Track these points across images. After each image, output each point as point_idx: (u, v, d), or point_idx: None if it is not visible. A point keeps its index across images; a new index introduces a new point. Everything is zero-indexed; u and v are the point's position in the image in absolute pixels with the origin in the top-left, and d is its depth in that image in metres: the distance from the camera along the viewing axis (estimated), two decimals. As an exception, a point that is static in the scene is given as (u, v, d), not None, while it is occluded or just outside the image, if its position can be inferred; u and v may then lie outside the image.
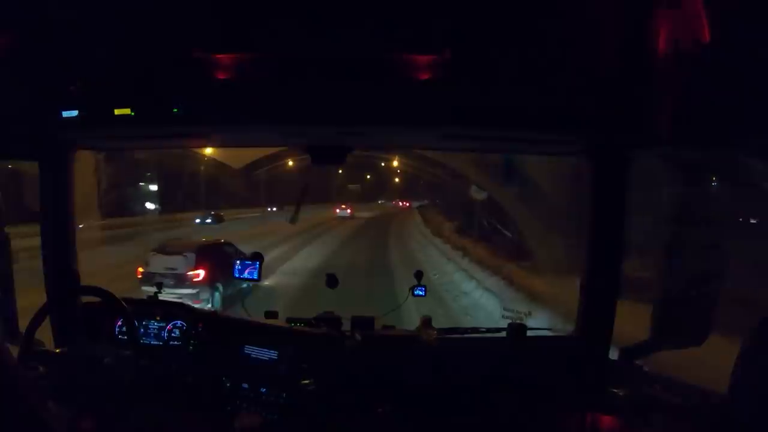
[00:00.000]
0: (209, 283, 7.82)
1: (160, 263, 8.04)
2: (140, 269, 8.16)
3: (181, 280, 7.76)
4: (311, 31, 1.50)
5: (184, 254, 8.04)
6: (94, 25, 1.49)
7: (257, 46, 1.58)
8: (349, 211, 31.51)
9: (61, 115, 1.67)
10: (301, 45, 1.54)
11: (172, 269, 7.86)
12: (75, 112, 1.66)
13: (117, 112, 1.64)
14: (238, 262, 2.12)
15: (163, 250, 8.47)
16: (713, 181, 1.63)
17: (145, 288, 7.18)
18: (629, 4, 1.41)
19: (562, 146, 1.97)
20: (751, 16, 1.14)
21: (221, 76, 1.61)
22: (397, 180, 47.18)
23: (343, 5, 1.42)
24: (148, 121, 1.70)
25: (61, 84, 1.66)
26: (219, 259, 7.96)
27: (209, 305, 7.59)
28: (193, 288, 7.76)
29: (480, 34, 1.49)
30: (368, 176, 43.27)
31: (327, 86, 1.60)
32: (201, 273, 7.79)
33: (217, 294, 7.81)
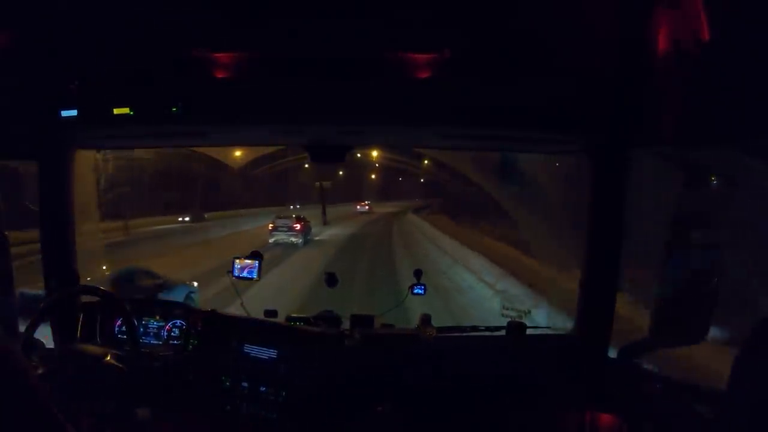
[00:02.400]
0: (302, 231, 16.42)
1: (281, 222, 16.52)
2: (271, 225, 16.59)
3: (291, 229, 16.23)
4: (311, 31, 1.50)
5: (292, 218, 17.25)
6: (93, 24, 1.49)
7: (256, 45, 1.58)
8: (367, 207, 36.44)
9: (61, 114, 1.66)
10: (300, 44, 1.54)
11: (287, 224, 16.51)
12: (74, 112, 1.66)
13: (116, 111, 1.64)
14: (237, 261, 2.12)
15: (282, 216, 17.28)
16: (713, 181, 1.64)
17: (274, 233, 16.12)
18: (629, 4, 1.41)
19: (562, 146, 1.97)
20: (751, 16, 1.13)
21: (220, 75, 1.60)
22: (374, 176, 40.85)
23: (343, 5, 1.42)
24: (147, 121, 1.70)
25: (60, 83, 1.66)
26: (304, 222, 17.22)
27: (302, 241, 16.01)
28: (296, 232, 16.23)
29: (480, 34, 1.49)
30: (341, 172, 33.11)
31: (326, 85, 1.60)
32: (298, 226, 16.45)
33: (303, 237, 16.32)
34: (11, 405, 0.66)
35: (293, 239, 15.66)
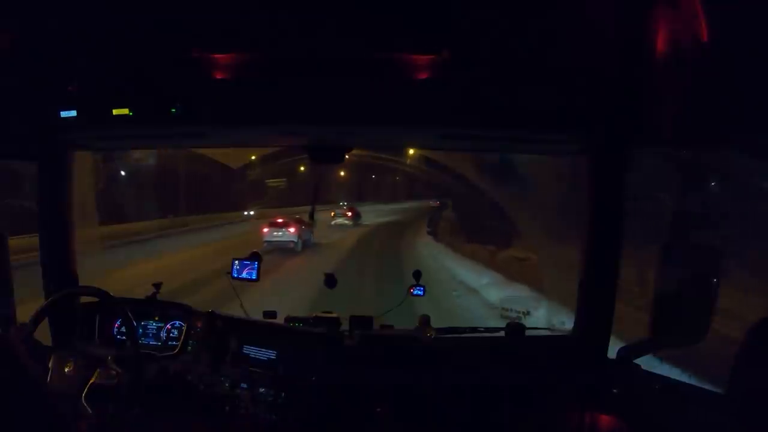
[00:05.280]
0: (353, 218, 24.90)
1: (338, 211, 25.03)
2: (333, 213, 24.64)
3: (345, 216, 24.65)
4: (310, 31, 1.50)
5: (345, 207, 26.49)
6: (92, 25, 1.49)
7: (256, 46, 1.57)
8: (438, 203, 35.75)
9: (60, 115, 1.66)
10: (299, 45, 1.54)
11: (342, 212, 25.26)
12: (73, 112, 1.66)
13: (115, 112, 1.64)
14: (236, 262, 2.12)
15: (338, 209, 25.67)
16: (713, 182, 1.64)
17: (336, 218, 24.22)
18: (629, 4, 1.41)
19: (562, 146, 1.97)
20: (750, 16, 1.13)
21: (219, 75, 1.60)
22: (342, 174, 32.33)
23: (342, 5, 1.42)
24: (146, 121, 1.70)
25: (59, 84, 1.66)
26: (354, 212, 25.86)
27: (352, 223, 24.21)
28: (348, 218, 24.59)
29: (479, 34, 1.49)
30: (302, 168, 26.66)
31: (326, 86, 1.60)
32: (350, 213, 25.32)
33: (353, 221, 24.41)
34: (10, 395, 0.67)
35: (347, 222, 24.37)
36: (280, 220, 15.41)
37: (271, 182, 27.72)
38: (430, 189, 31.81)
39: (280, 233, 14.87)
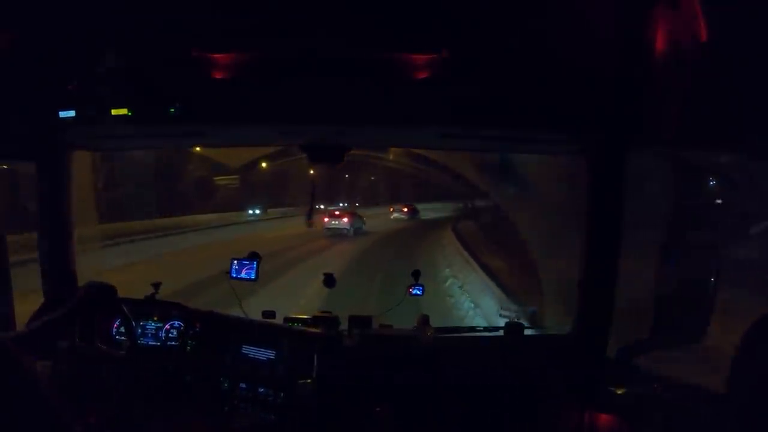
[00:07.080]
0: (410, 214, 28.68)
1: (396, 208, 29.46)
2: (391, 208, 29.60)
3: (402, 212, 28.88)
4: (309, 31, 1.50)
5: (402, 204, 29.94)
6: (91, 25, 1.48)
7: (254, 46, 1.57)
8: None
9: (59, 115, 1.66)
10: (298, 45, 1.54)
11: (400, 209, 29.22)
12: (72, 112, 1.66)
13: (114, 112, 1.64)
14: (235, 262, 2.11)
15: (397, 205, 30.11)
16: (712, 181, 1.64)
17: (394, 214, 28.75)
18: (629, 4, 1.41)
19: (562, 146, 1.97)
20: (749, 16, 1.13)
21: (218, 75, 1.60)
22: (312, 172, 23.84)
23: (341, 5, 1.42)
24: (145, 121, 1.70)
25: (59, 84, 1.66)
26: (411, 208, 29.43)
27: (408, 217, 28.35)
28: (404, 213, 28.65)
29: (479, 34, 1.49)
30: (264, 164, 22.99)
31: (324, 85, 1.60)
32: (405, 209, 29.16)
33: (409, 216, 28.68)
34: (9, 396, 0.67)
35: (404, 217, 27.93)
36: (337, 213, 20.91)
37: (220, 180, 21.76)
38: (426, 189, 30.12)
39: (336, 222, 19.79)
